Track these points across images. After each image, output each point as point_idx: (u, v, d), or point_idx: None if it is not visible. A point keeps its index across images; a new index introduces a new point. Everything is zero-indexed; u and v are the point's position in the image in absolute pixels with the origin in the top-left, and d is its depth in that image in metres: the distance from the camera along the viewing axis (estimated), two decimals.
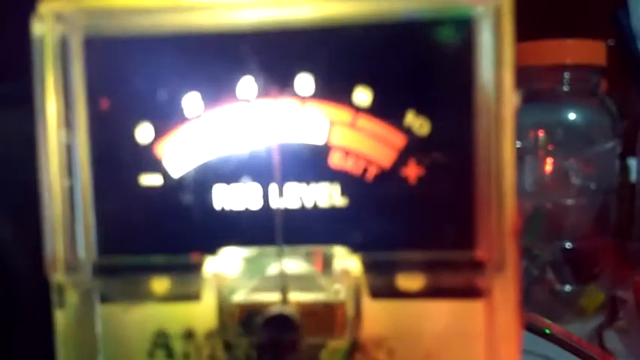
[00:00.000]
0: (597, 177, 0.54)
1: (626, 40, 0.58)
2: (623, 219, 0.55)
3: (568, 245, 0.53)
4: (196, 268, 0.23)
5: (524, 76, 0.52)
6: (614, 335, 0.48)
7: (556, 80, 0.53)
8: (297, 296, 0.23)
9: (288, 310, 0.22)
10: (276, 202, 0.23)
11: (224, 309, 0.23)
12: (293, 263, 0.23)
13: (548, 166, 0.54)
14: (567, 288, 0.53)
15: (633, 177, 0.57)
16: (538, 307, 0.52)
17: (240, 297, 0.23)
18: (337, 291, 0.23)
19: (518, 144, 0.53)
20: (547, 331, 0.41)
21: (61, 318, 0.23)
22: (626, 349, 0.45)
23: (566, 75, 0.53)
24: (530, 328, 0.41)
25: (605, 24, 0.59)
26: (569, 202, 0.54)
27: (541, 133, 0.53)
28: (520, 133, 0.53)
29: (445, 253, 0.22)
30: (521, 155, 0.53)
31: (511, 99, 0.21)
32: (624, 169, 0.57)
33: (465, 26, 0.21)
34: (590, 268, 0.53)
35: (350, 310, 0.23)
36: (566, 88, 0.53)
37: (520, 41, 0.49)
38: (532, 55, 0.51)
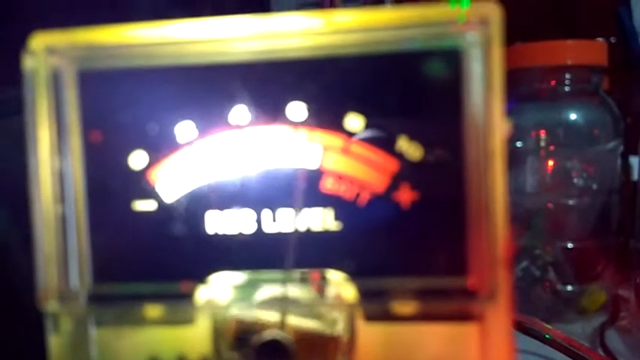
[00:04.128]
0: (599, 177, 0.54)
1: (627, 37, 0.57)
2: (625, 218, 0.55)
3: (570, 245, 0.53)
4: (190, 295, 0.23)
5: (526, 76, 0.52)
6: (616, 335, 0.47)
7: (557, 80, 0.53)
8: (294, 321, 0.23)
9: (283, 336, 0.22)
10: (280, 227, 0.23)
11: (219, 332, 0.23)
12: (292, 288, 0.23)
13: (550, 166, 0.54)
14: (569, 288, 0.53)
15: (635, 176, 0.57)
16: (539, 307, 0.52)
17: (238, 311, 0.23)
18: (334, 320, 0.23)
19: (520, 144, 0.53)
20: (547, 336, 0.41)
21: (55, 343, 0.23)
22: (627, 348, 0.45)
23: (568, 75, 0.52)
24: (531, 332, 0.41)
25: (607, 21, 0.59)
26: (571, 202, 0.54)
27: (542, 134, 0.53)
28: (521, 133, 0.53)
29: (437, 280, 0.22)
30: (522, 156, 0.53)
31: (501, 128, 0.20)
32: (626, 168, 0.57)
33: (454, 55, 0.21)
34: (591, 268, 0.53)
35: (344, 336, 0.23)
36: (567, 89, 0.53)
37: (522, 41, 0.49)
38: (533, 56, 0.51)
